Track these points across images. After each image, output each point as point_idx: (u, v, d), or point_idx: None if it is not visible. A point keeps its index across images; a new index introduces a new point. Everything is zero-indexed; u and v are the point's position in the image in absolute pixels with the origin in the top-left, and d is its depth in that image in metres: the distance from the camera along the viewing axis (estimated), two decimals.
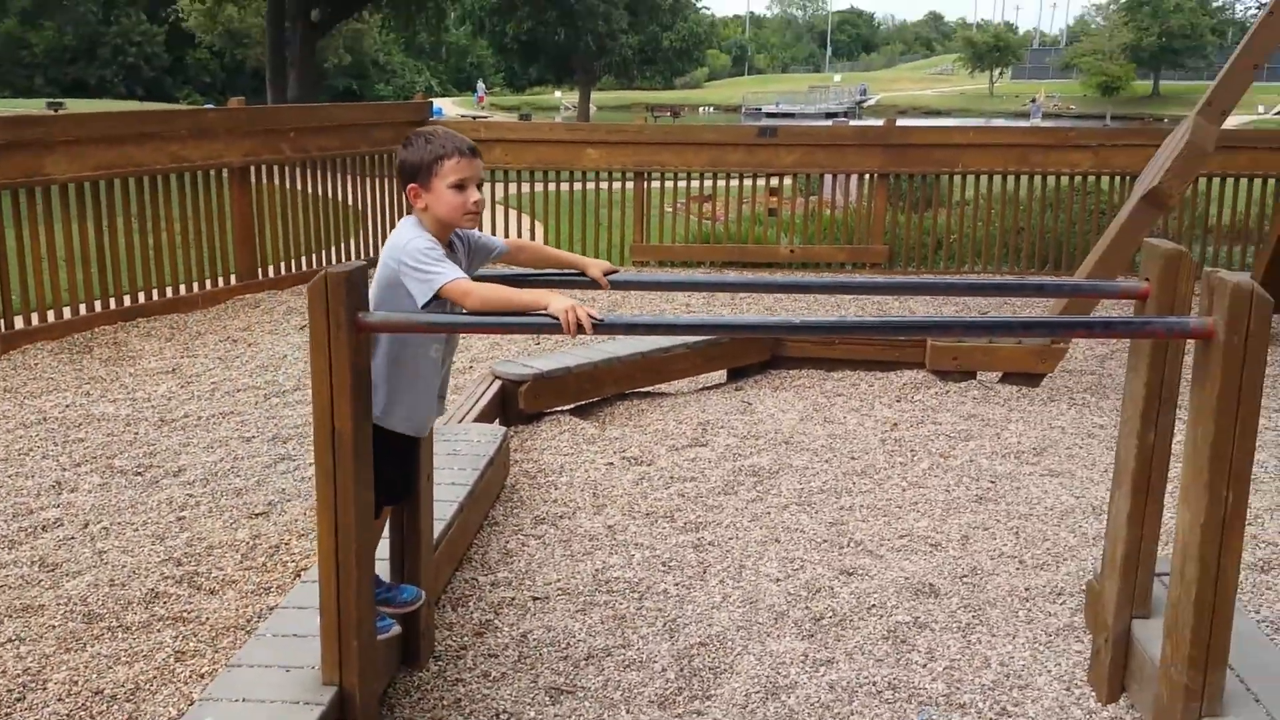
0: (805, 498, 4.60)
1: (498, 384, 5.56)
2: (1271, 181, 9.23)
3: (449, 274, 2.69)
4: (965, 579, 3.87)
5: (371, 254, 9.55)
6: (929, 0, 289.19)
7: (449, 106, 56.85)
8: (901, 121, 10.78)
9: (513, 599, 3.73)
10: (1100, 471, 4.94)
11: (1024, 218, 9.80)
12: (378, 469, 2.82)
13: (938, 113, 64.02)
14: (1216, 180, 9.30)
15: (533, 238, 10.74)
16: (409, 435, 2.99)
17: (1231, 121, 6.17)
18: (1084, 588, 3.65)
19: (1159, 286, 2.90)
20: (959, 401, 5.93)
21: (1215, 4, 68.94)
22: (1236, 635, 2.64)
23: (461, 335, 7.01)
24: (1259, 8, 33.38)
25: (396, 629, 3.11)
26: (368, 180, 9.62)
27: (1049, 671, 3.27)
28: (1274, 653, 2.96)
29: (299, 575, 3.82)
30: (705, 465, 4.94)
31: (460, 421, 4.99)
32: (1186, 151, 5.91)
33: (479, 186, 2.84)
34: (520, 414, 5.50)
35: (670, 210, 10.69)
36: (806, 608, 3.64)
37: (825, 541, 4.17)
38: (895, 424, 5.56)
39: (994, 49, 74.02)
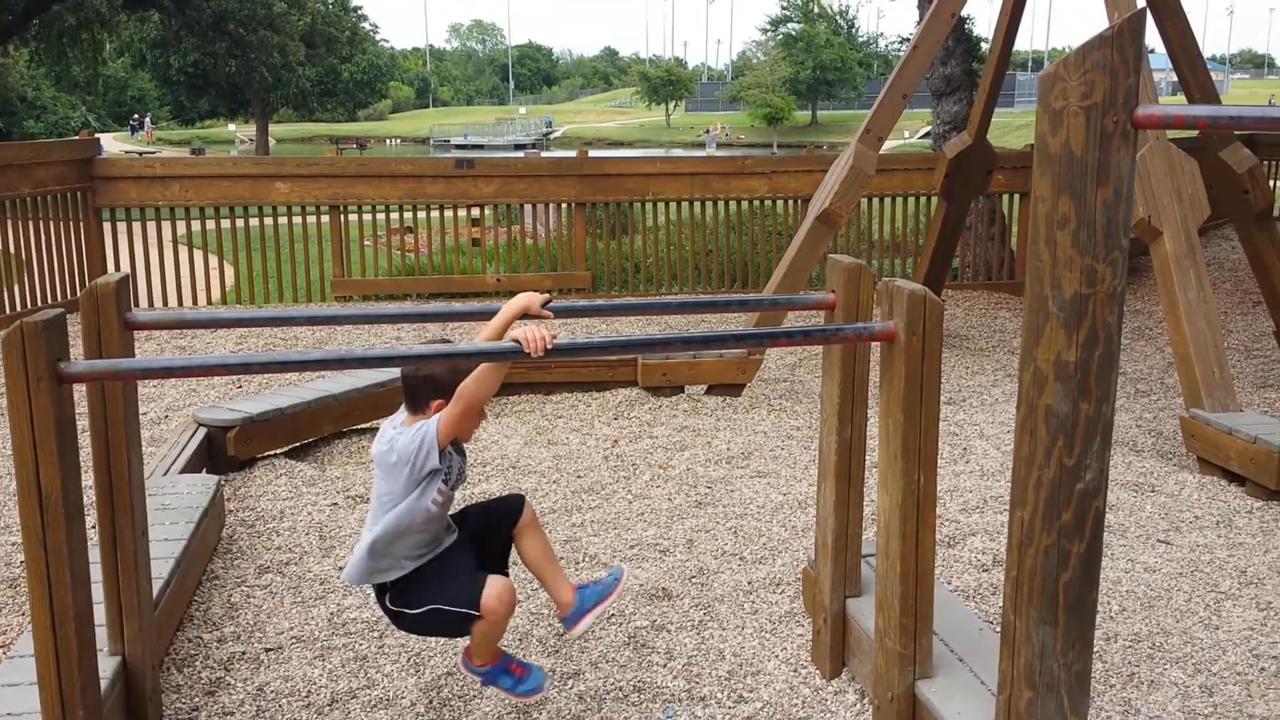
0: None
1: (202, 431, 5.27)
2: (923, 199, 10.32)
3: (432, 422, 2.86)
4: (694, 579, 4.08)
5: (39, 301, 8.76)
6: (603, 36, 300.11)
7: (110, 142, 52.92)
8: (591, 153, 11.16)
9: (244, 653, 3.56)
10: (801, 469, 5.35)
11: (711, 240, 10.42)
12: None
13: (621, 143, 66.41)
14: (876, 199, 10.28)
15: (221, 277, 10.23)
16: None
17: (884, 146, 6.87)
18: (800, 575, 3.95)
19: (844, 297, 3.21)
20: (671, 415, 6.23)
21: (861, 40, 75.91)
22: (935, 603, 2.96)
23: (153, 382, 6.61)
24: (901, 43, 37.13)
25: None
26: (30, 224, 8.81)
27: (777, 656, 3.51)
28: (969, 616, 3.33)
29: None
30: None
31: (165, 474, 4.70)
32: (851, 175, 6.54)
33: None
34: (231, 461, 5.24)
35: (369, 244, 10.52)
36: (549, 624, 3.72)
37: (561, 559, 4.26)
38: (616, 441, 5.77)
39: (667, 83, 77.79)
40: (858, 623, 3.26)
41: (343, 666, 3.47)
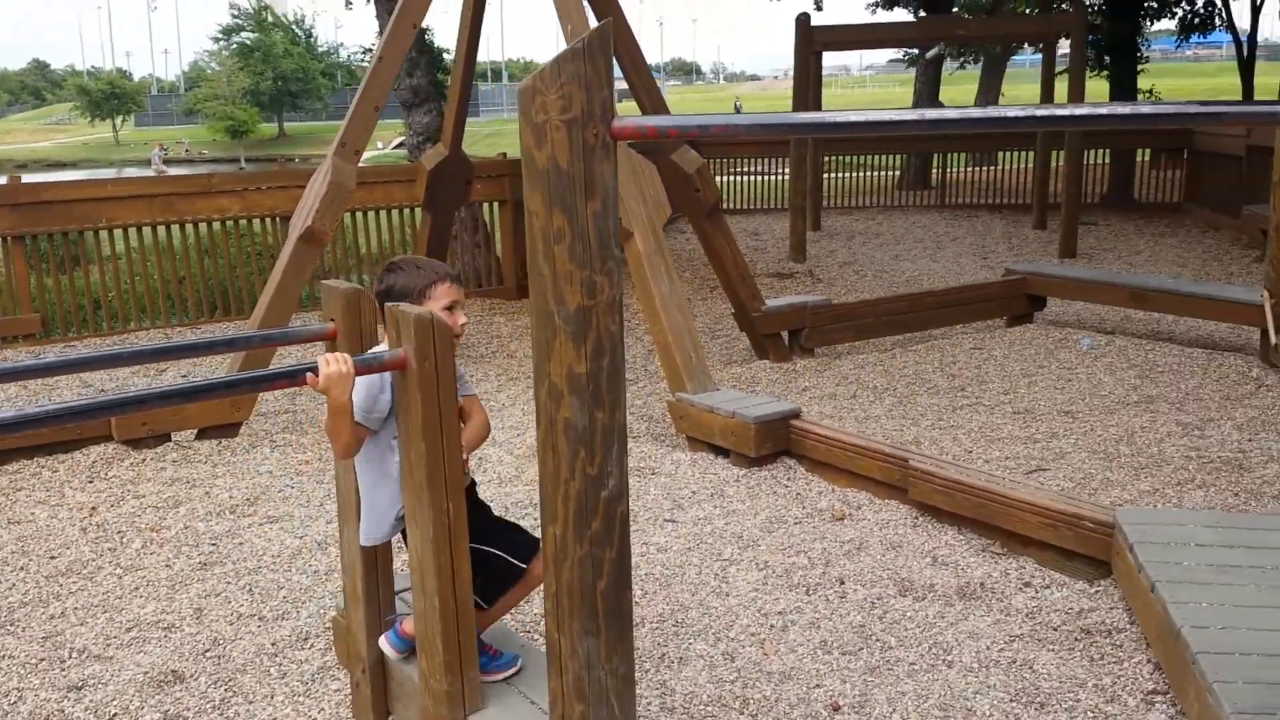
0: (4, 619, 3.95)
1: None
2: (407, 211, 10.26)
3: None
4: (208, 654, 3.66)
5: None
6: (30, 48, 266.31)
7: None
8: (27, 178, 9.77)
9: None
10: (316, 507, 5.04)
11: (182, 266, 9.58)
12: None
13: (62, 165, 59.56)
14: (360, 213, 10.05)
15: None
16: None
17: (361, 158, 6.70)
18: (330, 625, 3.68)
19: (345, 325, 3.01)
20: (159, 468, 5.59)
21: (321, 49, 74.44)
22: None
23: None
24: (364, 54, 36.78)
25: None
26: None
27: (315, 719, 3.24)
28: (510, 636, 3.29)
29: None
30: None
31: None
32: (331, 191, 6.29)
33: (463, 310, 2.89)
34: None
35: None
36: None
37: (42, 660, 3.63)
38: (94, 508, 5.05)
39: (111, 96, 71.16)
40: (399, 667, 3.08)
41: None
